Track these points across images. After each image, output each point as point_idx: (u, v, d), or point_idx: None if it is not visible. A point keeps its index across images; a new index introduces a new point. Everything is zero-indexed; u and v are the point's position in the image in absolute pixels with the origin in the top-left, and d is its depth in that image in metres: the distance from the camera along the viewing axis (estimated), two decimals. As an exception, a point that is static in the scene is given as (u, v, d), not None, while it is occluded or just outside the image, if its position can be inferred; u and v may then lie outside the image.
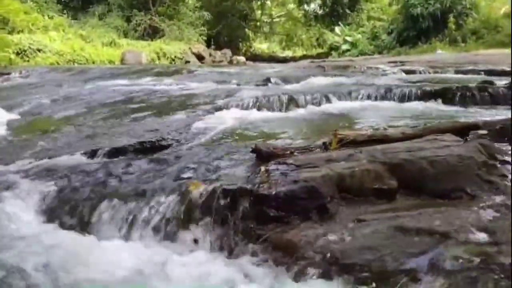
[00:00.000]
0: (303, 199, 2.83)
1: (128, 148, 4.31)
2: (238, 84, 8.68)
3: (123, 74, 11.61)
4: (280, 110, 5.82)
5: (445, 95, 6.75)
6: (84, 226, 2.97)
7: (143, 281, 2.30)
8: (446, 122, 4.11)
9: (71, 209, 3.12)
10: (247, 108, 6.01)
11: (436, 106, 6.35)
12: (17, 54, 17.13)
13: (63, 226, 2.98)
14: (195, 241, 2.77)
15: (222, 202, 2.93)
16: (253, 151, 3.44)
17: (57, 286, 2.23)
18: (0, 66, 14.55)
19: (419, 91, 6.88)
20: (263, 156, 3.42)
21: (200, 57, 24.14)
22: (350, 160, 3.20)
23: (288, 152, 3.52)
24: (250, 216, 2.83)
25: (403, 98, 6.81)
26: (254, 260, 2.52)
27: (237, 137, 4.30)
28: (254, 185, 2.96)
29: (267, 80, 8.73)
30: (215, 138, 4.38)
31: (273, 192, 2.84)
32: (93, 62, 19.15)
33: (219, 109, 5.82)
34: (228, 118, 5.23)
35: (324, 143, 3.70)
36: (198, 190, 3.10)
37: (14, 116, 6.53)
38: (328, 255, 2.39)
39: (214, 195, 2.99)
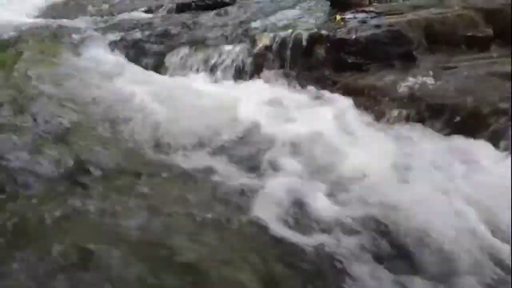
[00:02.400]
0: (386, 44, 2.58)
1: (190, 4, 4.12)
2: None
3: None
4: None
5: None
6: (159, 69, 2.99)
7: (217, 110, 2.32)
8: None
9: (146, 55, 3.13)
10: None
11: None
12: None
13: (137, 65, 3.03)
14: (268, 82, 2.68)
15: (295, 48, 2.76)
16: (328, -2, 3.13)
17: (143, 110, 2.29)
18: None
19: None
20: (338, 4, 3.12)
21: None
22: (440, 6, 2.84)
23: (368, 1, 3.18)
24: (325, 63, 2.66)
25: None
26: (331, 102, 2.41)
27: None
28: (331, 31, 2.73)
29: None
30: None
31: (353, 37, 2.61)
32: None
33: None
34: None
35: (407, -8, 3.30)
36: (268, 38, 2.93)
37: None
38: (414, 98, 2.23)
39: (286, 41, 2.81)
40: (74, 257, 1.26)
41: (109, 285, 1.19)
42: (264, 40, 2.90)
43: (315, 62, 2.67)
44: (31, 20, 4.37)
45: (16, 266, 1.29)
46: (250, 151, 1.99)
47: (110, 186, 1.70)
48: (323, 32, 2.73)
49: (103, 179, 1.75)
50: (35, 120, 2.14)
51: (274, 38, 2.87)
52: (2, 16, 4.43)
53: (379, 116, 2.24)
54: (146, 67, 3.04)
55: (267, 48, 2.85)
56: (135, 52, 3.21)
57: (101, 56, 3.15)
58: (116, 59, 3.09)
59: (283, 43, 2.81)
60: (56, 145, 1.92)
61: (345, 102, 2.38)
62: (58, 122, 2.15)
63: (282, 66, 2.76)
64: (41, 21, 4.29)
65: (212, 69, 2.91)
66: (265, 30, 3.09)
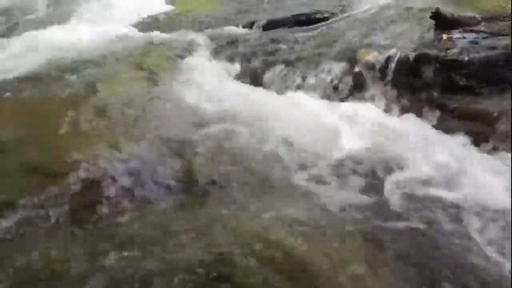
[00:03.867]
0: (501, 67, 2.45)
1: (283, 21, 4.21)
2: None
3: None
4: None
5: None
6: (257, 83, 3.07)
7: (319, 129, 2.32)
8: None
9: (245, 70, 3.23)
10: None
11: None
12: None
13: (238, 80, 3.13)
14: (370, 102, 2.65)
15: (400, 68, 2.71)
16: (433, 17, 3.03)
17: (250, 126, 2.36)
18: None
19: None
20: (444, 23, 3.00)
21: None
22: (562, 26, 2.65)
23: (475, 20, 3.03)
24: (433, 84, 2.58)
25: None
26: (439, 127, 2.32)
27: (402, 8, 3.83)
28: (439, 52, 2.65)
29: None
30: (377, 9, 3.97)
31: (466, 59, 2.51)
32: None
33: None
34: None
35: (521, 11, 3.10)
36: (370, 57, 2.90)
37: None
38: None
39: (389, 61, 2.77)
40: (209, 265, 1.32)
41: None
42: (366, 59, 2.88)
43: (421, 83, 2.60)
44: (131, 33, 4.67)
45: (149, 272, 1.38)
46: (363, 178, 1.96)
47: (227, 198, 1.77)
48: (432, 52, 2.65)
49: (220, 191, 1.82)
50: (150, 133, 2.28)
51: (377, 56, 2.84)
52: (104, 28, 4.78)
53: (495, 144, 2.13)
54: (245, 82, 3.13)
55: (369, 66, 2.83)
56: (235, 67, 3.32)
57: (203, 70, 3.29)
58: (218, 73, 3.22)
59: (387, 62, 2.77)
60: (174, 157, 2.04)
61: (457, 127, 2.29)
62: (172, 136, 2.27)
63: (385, 86, 2.71)
64: (141, 33, 4.56)
65: (311, 87, 2.93)
66: (365, 48, 3.06)
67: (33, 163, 1.97)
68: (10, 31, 4.91)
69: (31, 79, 3.04)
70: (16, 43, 4.11)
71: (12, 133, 2.18)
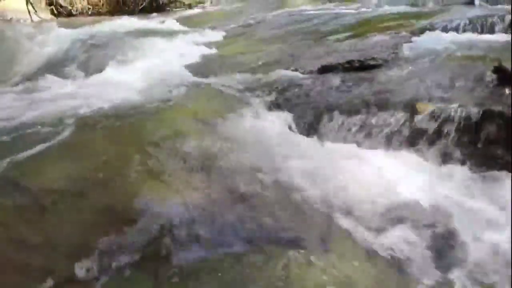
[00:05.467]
0: None
1: (337, 66, 4.26)
2: (437, 5, 7.77)
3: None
4: (503, 32, 4.99)
5: None
6: (313, 133, 3.12)
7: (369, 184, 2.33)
8: None
9: (298, 117, 3.28)
10: (456, 30, 5.31)
11: None
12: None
13: (293, 129, 3.19)
14: (429, 157, 2.64)
15: (461, 123, 2.70)
16: (495, 71, 3.02)
17: (312, 179, 2.40)
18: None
19: None
20: (507, 77, 2.97)
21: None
22: None
23: (540, 74, 2.99)
24: (496, 141, 2.54)
25: None
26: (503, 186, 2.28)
27: (459, 59, 3.84)
28: (503, 107, 2.62)
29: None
30: (432, 59, 3.98)
31: (532, 116, 2.47)
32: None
33: (423, 31, 5.27)
34: (439, 40, 4.70)
35: None
36: (429, 110, 2.91)
37: (219, 37, 7.08)
38: None
39: (450, 116, 2.77)
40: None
41: None
42: (425, 111, 2.89)
43: (484, 140, 2.57)
44: (183, 77, 4.75)
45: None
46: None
47: (293, 255, 1.80)
48: (495, 108, 2.62)
49: (283, 247, 1.85)
50: (216, 180, 2.36)
51: (437, 109, 2.84)
52: (158, 71, 4.90)
53: None
54: (301, 132, 3.17)
55: (429, 119, 2.83)
56: (289, 115, 3.35)
57: (257, 117, 3.35)
58: (273, 122, 3.28)
59: (447, 116, 2.77)
60: (241, 208, 2.10)
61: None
62: (236, 185, 2.33)
63: (445, 141, 2.70)
64: (192, 77, 4.66)
65: (368, 138, 2.95)
66: (422, 99, 3.07)
67: (108, 206, 2.09)
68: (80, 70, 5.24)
69: (98, 120, 3.22)
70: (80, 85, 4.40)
71: (89, 175, 2.32)
